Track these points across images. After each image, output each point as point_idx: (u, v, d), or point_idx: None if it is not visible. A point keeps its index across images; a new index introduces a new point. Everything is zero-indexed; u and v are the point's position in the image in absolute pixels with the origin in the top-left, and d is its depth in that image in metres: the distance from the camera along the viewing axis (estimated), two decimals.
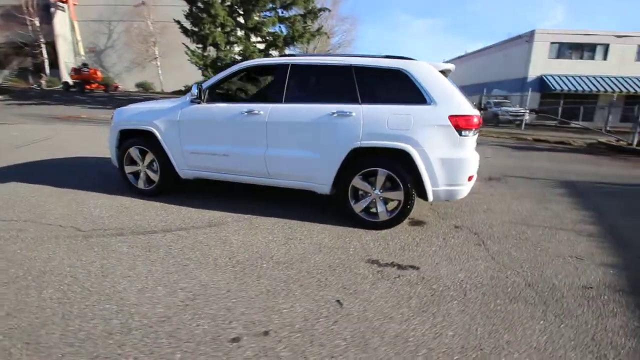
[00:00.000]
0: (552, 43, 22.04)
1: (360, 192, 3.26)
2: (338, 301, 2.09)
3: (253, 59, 16.58)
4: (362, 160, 3.13)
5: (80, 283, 2.19)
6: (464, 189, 3.07)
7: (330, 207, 3.81)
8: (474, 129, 2.97)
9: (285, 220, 3.37)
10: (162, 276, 2.30)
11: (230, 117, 3.45)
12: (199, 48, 17.10)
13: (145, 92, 26.15)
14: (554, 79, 22.35)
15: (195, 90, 3.44)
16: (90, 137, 8.78)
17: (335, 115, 3.13)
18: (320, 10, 17.49)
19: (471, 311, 2.05)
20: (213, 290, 2.16)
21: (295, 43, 17.08)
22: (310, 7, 17.05)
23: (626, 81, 21.75)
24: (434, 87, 3.00)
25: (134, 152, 3.89)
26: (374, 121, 3.04)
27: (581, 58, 22.53)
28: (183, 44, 16.48)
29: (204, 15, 15.79)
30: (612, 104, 15.98)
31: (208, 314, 1.93)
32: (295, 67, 3.36)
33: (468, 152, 3.01)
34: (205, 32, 15.90)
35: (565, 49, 22.47)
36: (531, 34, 21.94)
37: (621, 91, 21.27)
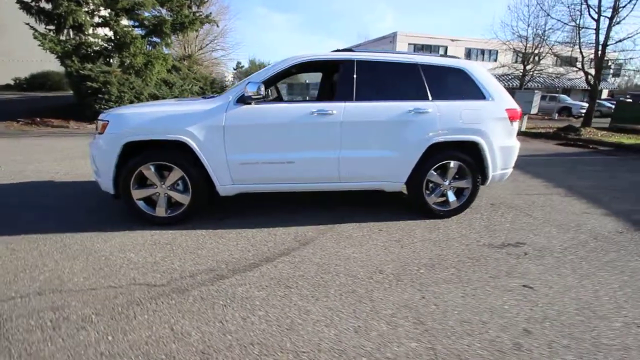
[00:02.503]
0: (409, 44, 26.50)
1: (431, 185, 3.41)
2: (525, 286, 2.24)
3: (136, 45, 13.96)
4: (436, 154, 3.28)
5: (278, 342, 1.65)
6: (510, 171, 3.60)
7: (382, 202, 3.82)
8: (519, 120, 3.50)
9: (366, 224, 3.23)
10: (368, 312, 1.95)
11: (296, 119, 3.02)
12: (50, 31, 13.28)
13: None
14: None
15: (253, 89, 2.85)
16: None
17: (412, 112, 3.15)
18: None
19: (601, 265, 2.54)
20: (421, 308, 1.98)
21: (184, 30, 15.17)
22: None
23: None
24: (488, 84, 3.37)
25: (149, 170, 2.95)
26: (449, 116, 3.21)
27: None
28: (27, 24, 12.47)
29: None
30: None
31: (457, 331, 1.78)
32: (361, 63, 3.19)
33: (516, 140, 3.54)
34: (62, 10, 12.44)
35: (419, 49, 27.35)
36: (394, 36, 25.76)
37: None
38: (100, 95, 12.08)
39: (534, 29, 18.77)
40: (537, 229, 3.23)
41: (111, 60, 13.95)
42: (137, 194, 3.00)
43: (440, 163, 3.30)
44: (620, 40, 12.52)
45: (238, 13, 75.00)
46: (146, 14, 14.91)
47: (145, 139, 2.88)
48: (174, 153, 2.96)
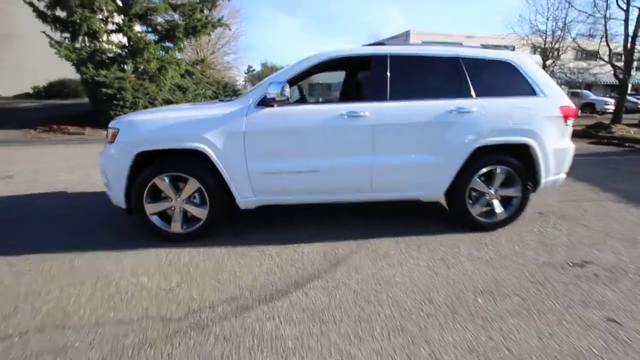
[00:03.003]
0: (423, 42, 25.89)
1: (474, 193, 3.03)
2: (610, 320, 1.86)
3: (150, 51, 13.92)
4: (481, 159, 2.90)
5: None
6: (564, 177, 3.19)
7: (416, 212, 3.47)
8: (573, 118, 3.09)
9: (402, 239, 2.88)
10: (426, 359, 1.61)
11: (323, 122, 2.71)
12: (65, 38, 13.38)
13: None
14: None
15: (276, 89, 2.54)
16: None
17: (454, 112, 2.80)
18: None
19: None
20: (491, 354, 1.62)
21: (197, 34, 15.09)
22: None
23: None
24: (539, 78, 2.99)
25: (163, 182, 2.68)
26: (496, 116, 2.84)
27: None
28: (43, 32, 12.58)
29: None
30: None
31: None
32: (395, 58, 2.86)
33: (570, 141, 3.13)
34: (76, 17, 12.49)
35: None
36: (407, 34, 25.22)
37: None
38: (115, 102, 12.08)
39: (554, 22, 18.02)
40: (599, 244, 2.82)
41: (125, 66, 13.98)
42: (150, 208, 2.73)
43: (486, 169, 2.93)
44: None
45: (248, 17, 75.63)
46: (159, 19, 14.93)
47: (158, 148, 2.61)
48: (189, 163, 2.69)
